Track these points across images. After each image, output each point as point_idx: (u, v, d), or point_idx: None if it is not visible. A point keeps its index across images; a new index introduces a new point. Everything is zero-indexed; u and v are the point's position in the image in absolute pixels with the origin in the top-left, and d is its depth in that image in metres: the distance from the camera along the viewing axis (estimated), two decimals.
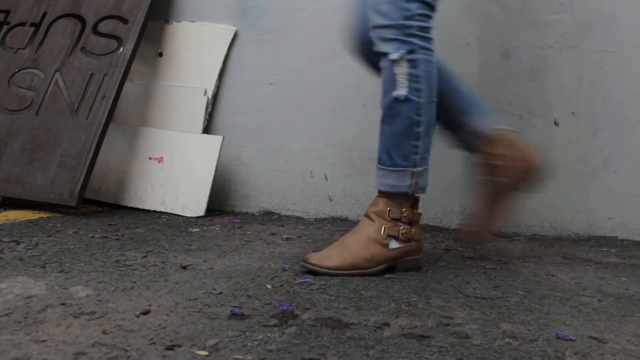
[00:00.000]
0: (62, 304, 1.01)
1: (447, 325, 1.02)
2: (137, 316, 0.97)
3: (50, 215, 1.93)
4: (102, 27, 2.20)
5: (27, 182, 2.02)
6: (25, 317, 0.93)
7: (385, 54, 1.35)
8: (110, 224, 1.85)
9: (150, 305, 1.03)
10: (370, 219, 1.42)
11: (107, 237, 1.63)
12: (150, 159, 2.21)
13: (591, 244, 2.11)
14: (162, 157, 2.18)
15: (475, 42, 2.24)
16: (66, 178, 1.99)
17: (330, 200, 2.31)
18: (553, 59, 2.21)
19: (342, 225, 2.17)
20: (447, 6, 2.24)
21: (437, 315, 1.07)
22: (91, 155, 2.00)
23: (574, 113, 2.21)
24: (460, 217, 2.25)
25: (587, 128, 2.21)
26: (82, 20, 2.24)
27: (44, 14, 2.30)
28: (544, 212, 2.23)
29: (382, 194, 1.47)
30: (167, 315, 0.98)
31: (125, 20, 2.18)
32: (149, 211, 2.16)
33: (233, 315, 1.00)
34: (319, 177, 2.32)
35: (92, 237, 1.62)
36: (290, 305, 1.07)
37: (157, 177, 2.18)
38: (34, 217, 1.87)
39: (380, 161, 1.47)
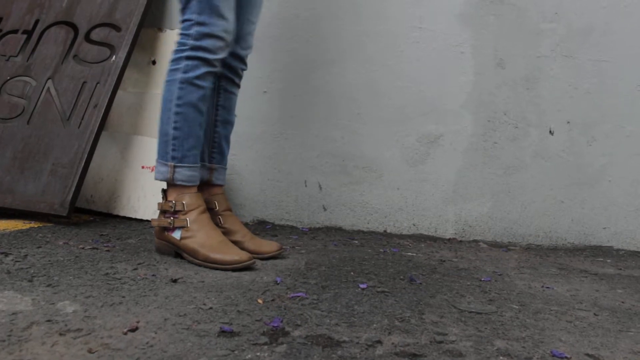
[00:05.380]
0: (48, 321, 0.98)
1: (441, 342, 1.00)
2: (125, 333, 0.95)
3: (41, 225, 1.90)
4: (94, 35, 2.18)
5: (18, 191, 2.00)
6: (9, 336, 0.91)
7: (238, 86, 1.82)
8: (101, 234, 1.83)
9: (138, 322, 1.01)
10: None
11: (97, 249, 1.61)
12: (143, 167, 2.19)
13: (587, 253, 2.10)
14: (154, 166, 2.15)
15: (470, 50, 2.23)
16: (58, 187, 1.96)
17: (325, 209, 2.29)
18: (548, 68, 2.21)
19: (337, 234, 2.15)
20: (441, 15, 2.24)
21: (430, 331, 1.06)
22: (83, 164, 1.98)
23: (569, 122, 2.20)
24: (455, 226, 2.24)
25: (582, 137, 2.20)
26: (75, 28, 2.22)
27: (37, 22, 2.28)
28: (539, 221, 2.22)
29: (222, 188, 1.79)
30: (155, 333, 0.96)
31: (118, 28, 2.17)
32: (141, 220, 2.14)
33: (222, 332, 0.98)
34: (313, 186, 2.30)
35: (83, 248, 1.60)
36: (281, 321, 1.05)
37: (150, 186, 2.15)
38: (24, 227, 1.85)
39: (226, 163, 1.82)
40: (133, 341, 0.92)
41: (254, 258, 1.52)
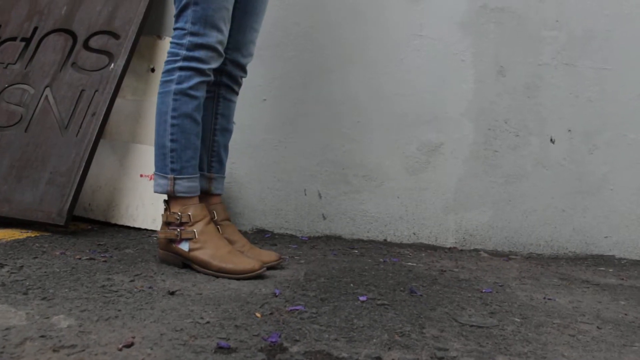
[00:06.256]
0: (42, 336, 0.97)
1: (442, 358, 0.98)
2: (120, 349, 0.94)
3: (38, 235, 1.89)
4: (93, 43, 2.17)
5: (15, 200, 1.98)
6: (1, 352, 0.89)
7: (237, 94, 1.82)
8: (99, 244, 1.82)
9: (134, 337, 0.99)
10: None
11: (94, 259, 1.59)
12: (141, 176, 2.18)
13: (588, 263, 2.08)
14: (153, 175, 2.14)
15: (471, 58, 2.22)
16: (55, 196, 1.95)
17: (324, 218, 2.28)
18: (549, 76, 2.20)
19: (336, 243, 2.14)
20: (442, 23, 2.23)
21: (431, 346, 1.04)
22: (81, 172, 1.96)
23: (570, 130, 2.19)
24: (455, 235, 2.22)
25: (584, 145, 2.19)
26: (73, 36, 2.21)
27: (35, 29, 2.27)
28: (541, 230, 2.20)
29: (220, 197, 1.77)
30: (151, 349, 0.95)
31: (116, 36, 2.15)
32: (139, 229, 2.13)
33: (219, 348, 0.96)
34: (312, 194, 2.28)
35: (80, 258, 1.58)
36: (280, 336, 1.03)
37: (149, 195, 2.14)
38: (21, 237, 1.83)
39: (225, 172, 1.81)
40: (128, 358, 0.90)
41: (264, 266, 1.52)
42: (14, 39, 2.29)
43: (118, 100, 2.23)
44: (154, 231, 2.10)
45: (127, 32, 2.15)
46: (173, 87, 1.53)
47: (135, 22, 2.16)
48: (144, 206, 2.15)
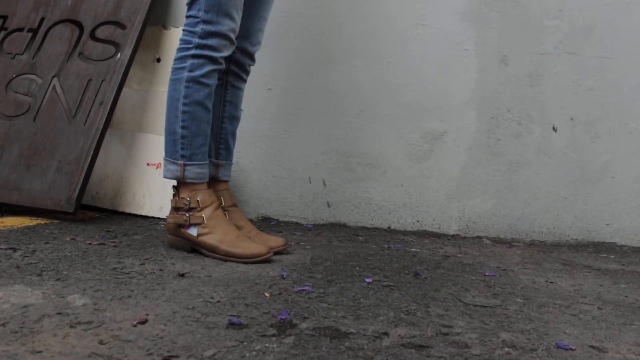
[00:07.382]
0: (59, 314, 1.00)
1: (447, 334, 1.01)
2: (135, 326, 0.97)
3: (47, 222, 1.92)
4: (99, 33, 2.20)
5: (24, 188, 2.01)
6: (22, 327, 0.92)
7: (245, 81, 1.82)
8: (107, 231, 1.85)
9: (147, 315, 1.02)
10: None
11: (104, 244, 1.62)
12: (148, 164, 2.20)
13: (590, 249, 2.11)
14: (159, 163, 2.17)
15: (474, 48, 2.24)
16: (63, 184, 1.98)
17: (329, 206, 2.30)
18: (551, 65, 2.22)
19: (341, 231, 2.17)
20: (445, 12, 2.25)
21: (436, 324, 1.07)
22: (89, 161, 1.99)
23: (572, 119, 2.21)
24: (458, 222, 2.25)
25: (586, 134, 2.21)
26: (80, 26, 2.23)
27: (42, 20, 2.29)
28: (543, 218, 2.23)
29: (227, 183, 1.79)
30: (165, 325, 0.98)
31: (123, 26, 2.18)
32: (146, 217, 2.16)
33: (231, 324, 0.99)
34: (317, 183, 2.31)
35: (90, 244, 1.61)
36: (289, 314, 1.06)
37: (155, 183, 2.17)
38: (31, 224, 1.86)
39: (231, 158, 1.83)
40: (143, 333, 0.93)
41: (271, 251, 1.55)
42: (21, 29, 2.32)
43: (124, 90, 2.26)
44: (160, 219, 2.13)
45: (133, 22, 2.17)
46: (185, 74, 1.55)
47: (141, 12, 2.18)
48: (151, 194, 2.18)
